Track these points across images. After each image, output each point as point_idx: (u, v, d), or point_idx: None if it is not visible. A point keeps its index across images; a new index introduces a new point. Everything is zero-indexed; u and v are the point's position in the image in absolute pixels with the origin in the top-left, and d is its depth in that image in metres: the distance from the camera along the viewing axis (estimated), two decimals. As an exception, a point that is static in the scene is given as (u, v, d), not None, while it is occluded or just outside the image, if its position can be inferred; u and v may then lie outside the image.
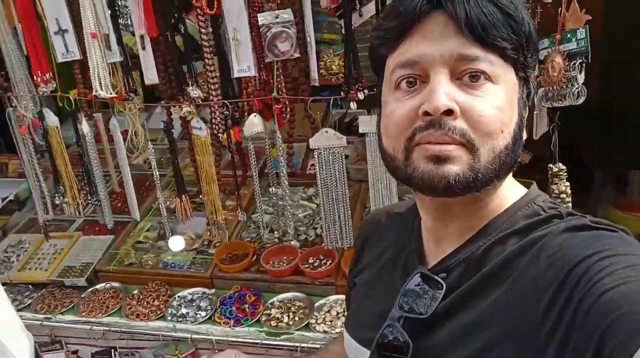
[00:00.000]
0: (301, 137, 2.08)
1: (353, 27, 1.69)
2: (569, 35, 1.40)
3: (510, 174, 0.81)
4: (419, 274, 0.81)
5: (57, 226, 2.81)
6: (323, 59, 2.95)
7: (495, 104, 0.72)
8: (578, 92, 1.39)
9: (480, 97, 0.71)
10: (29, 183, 2.20)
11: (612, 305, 0.58)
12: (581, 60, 1.37)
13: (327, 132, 1.82)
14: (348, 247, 2.02)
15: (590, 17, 1.33)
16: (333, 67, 3.01)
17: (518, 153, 0.77)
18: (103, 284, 2.39)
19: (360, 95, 1.72)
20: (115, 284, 2.38)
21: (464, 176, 0.71)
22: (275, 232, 2.47)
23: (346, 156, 2.56)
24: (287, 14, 1.72)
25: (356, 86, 1.72)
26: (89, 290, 2.36)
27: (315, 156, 1.85)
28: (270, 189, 2.06)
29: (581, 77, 1.38)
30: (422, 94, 0.73)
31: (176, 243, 2.46)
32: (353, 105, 1.74)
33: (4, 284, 2.41)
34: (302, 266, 2.22)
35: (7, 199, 2.87)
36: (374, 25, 0.89)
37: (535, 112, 1.59)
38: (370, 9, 1.68)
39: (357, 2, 1.67)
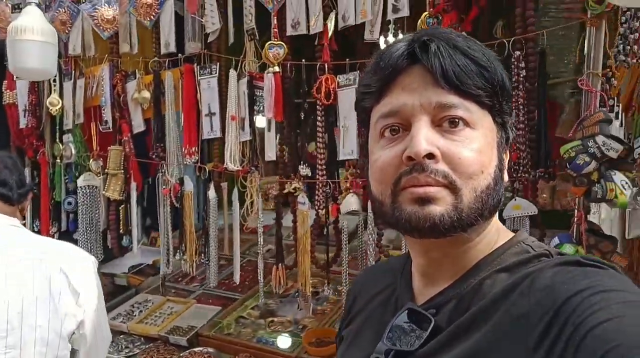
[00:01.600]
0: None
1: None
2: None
3: (497, 219, 0.83)
4: (408, 310, 0.82)
5: (179, 293, 3.12)
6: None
7: (474, 147, 0.75)
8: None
9: (459, 141, 0.75)
10: (160, 242, 2.55)
11: (604, 338, 0.58)
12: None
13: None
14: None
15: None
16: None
17: (500, 193, 0.79)
18: (201, 348, 2.56)
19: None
20: (211, 349, 2.53)
21: (448, 216, 0.73)
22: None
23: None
24: (391, 107, 1.93)
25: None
26: (188, 351, 2.54)
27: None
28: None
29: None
30: (405, 140, 0.76)
31: (284, 342, 2.48)
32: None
33: (121, 333, 2.74)
34: (384, 361, 2.18)
35: (145, 264, 3.28)
36: (358, 80, 0.99)
37: (628, 210, 1.54)
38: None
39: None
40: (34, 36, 2.25)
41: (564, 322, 0.62)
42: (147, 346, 2.63)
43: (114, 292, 3.14)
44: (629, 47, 1.66)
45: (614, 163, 1.57)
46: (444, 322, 0.77)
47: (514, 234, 0.84)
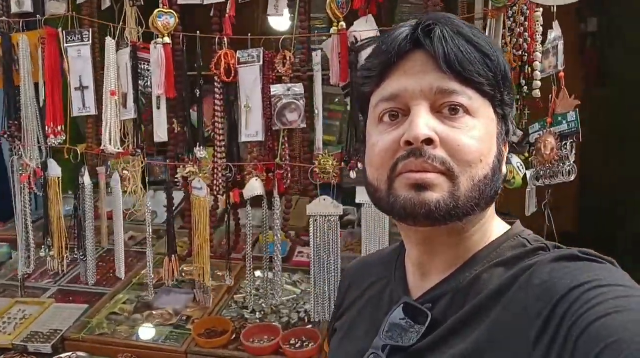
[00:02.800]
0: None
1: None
2: (559, 118, 1.54)
3: (494, 210, 0.83)
4: (403, 304, 0.81)
5: (30, 293, 2.71)
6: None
7: (474, 134, 0.75)
8: (569, 169, 1.51)
9: (459, 128, 0.74)
10: (17, 235, 2.16)
11: (603, 333, 0.58)
12: (572, 140, 1.50)
13: (324, 199, 1.88)
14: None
15: (579, 102, 1.49)
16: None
17: (498, 184, 0.79)
18: (68, 353, 2.25)
19: (360, 165, 1.81)
20: (82, 354, 2.25)
21: (444, 203, 0.72)
22: (257, 313, 2.43)
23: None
24: (298, 88, 1.87)
25: (357, 156, 1.82)
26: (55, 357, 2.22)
27: (311, 223, 1.89)
28: (261, 272, 2.06)
29: (572, 156, 1.50)
30: (404, 125, 0.75)
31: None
32: (352, 174, 1.82)
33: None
34: (283, 346, 2.15)
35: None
36: (360, 66, 0.98)
37: (527, 190, 1.70)
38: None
39: (364, 82, 1.83)
40: None
41: (562, 317, 0.62)
42: (-2, 358, 2.25)
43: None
44: (515, 40, 1.81)
45: (509, 147, 1.72)
46: (440, 316, 0.76)
47: (510, 226, 0.84)
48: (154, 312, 2.49)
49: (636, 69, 2.89)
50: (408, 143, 0.73)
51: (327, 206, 1.88)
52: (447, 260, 0.81)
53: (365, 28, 1.80)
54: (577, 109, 1.51)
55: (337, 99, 3.13)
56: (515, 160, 1.71)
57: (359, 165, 1.81)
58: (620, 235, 3.16)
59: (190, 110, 2.00)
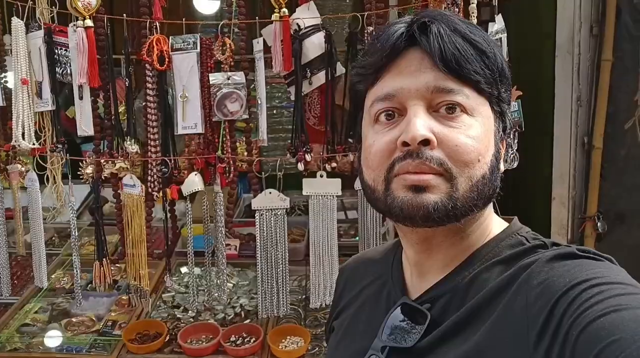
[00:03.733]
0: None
1: (303, 94, 1.79)
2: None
3: (492, 207, 0.82)
4: (402, 305, 0.80)
5: None
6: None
7: (471, 134, 0.73)
8: (512, 157, 1.59)
9: (456, 128, 0.73)
10: None
11: (602, 333, 0.57)
12: (515, 129, 1.58)
13: (270, 193, 1.82)
14: (284, 315, 1.96)
15: (521, 93, 1.56)
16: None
17: (496, 183, 0.78)
18: (-22, 376, 2.01)
19: (308, 157, 1.77)
20: (-5, 374, 2.02)
21: (442, 205, 0.71)
22: (190, 311, 2.32)
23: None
24: (238, 76, 1.77)
25: (304, 148, 1.78)
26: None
27: (257, 217, 1.82)
28: (187, 268, 1.94)
29: (515, 144, 1.58)
30: (400, 125, 0.74)
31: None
32: (300, 166, 1.78)
33: None
34: (224, 344, 2.08)
35: None
36: (353, 64, 0.96)
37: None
38: (320, 78, 1.80)
39: (308, 71, 1.78)
40: None
41: (562, 316, 0.62)
42: None
43: None
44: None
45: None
46: (439, 317, 0.76)
47: (507, 224, 0.84)
48: (73, 320, 2.30)
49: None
50: (405, 144, 0.71)
51: (273, 200, 1.82)
52: (445, 260, 0.80)
53: (308, 15, 1.75)
54: (520, 100, 1.59)
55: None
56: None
57: (307, 156, 1.78)
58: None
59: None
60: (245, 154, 1.91)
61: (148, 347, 2.08)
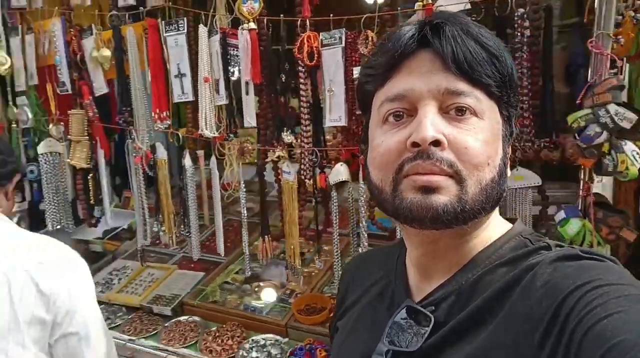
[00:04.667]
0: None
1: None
2: None
3: (497, 210, 0.81)
4: (406, 308, 0.80)
5: (159, 258, 3.01)
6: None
7: (481, 137, 0.73)
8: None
9: (466, 130, 0.73)
10: (135, 211, 2.39)
11: (606, 335, 0.57)
12: None
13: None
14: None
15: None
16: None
17: (504, 187, 0.78)
18: (186, 317, 2.48)
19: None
20: (197, 318, 2.46)
21: (452, 207, 0.71)
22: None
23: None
24: (381, 69, 1.76)
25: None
26: (173, 320, 2.45)
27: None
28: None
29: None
30: (410, 126, 0.73)
31: (269, 294, 2.53)
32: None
33: (101, 303, 2.63)
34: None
35: (121, 228, 3.13)
36: (362, 64, 0.95)
37: None
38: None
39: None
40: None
41: (566, 318, 0.62)
42: (129, 316, 2.54)
43: (90, 260, 3.00)
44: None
45: (624, 132, 1.46)
46: (443, 319, 0.76)
47: (511, 226, 0.82)
48: (261, 284, 2.63)
49: None
50: (415, 144, 0.71)
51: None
52: (449, 262, 0.80)
53: (452, 2, 1.62)
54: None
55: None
56: (631, 148, 1.46)
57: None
58: None
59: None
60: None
61: (311, 318, 2.27)
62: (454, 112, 0.73)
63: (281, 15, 1.89)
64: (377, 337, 0.81)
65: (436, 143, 0.71)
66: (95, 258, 3.03)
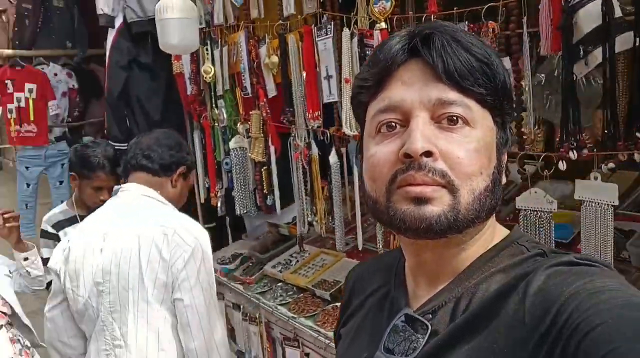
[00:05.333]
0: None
1: (575, 78, 1.47)
2: None
3: (493, 217, 0.80)
4: (404, 316, 0.81)
5: (335, 244, 3.23)
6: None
7: (473, 146, 0.73)
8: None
9: (459, 140, 0.72)
10: (295, 202, 2.63)
11: (601, 342, 0.57)
12: None
13: (536, 192, 1.61)
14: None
15: None
16: None
17: (498, 195, 0.77)
18: (337, 303, 2.63)
19: (572, 155, 1.47)
20: (350, 305, 2.58)
21: (445, 217, 0.71)
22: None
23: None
24: (505, 63, 1.62)
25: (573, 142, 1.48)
26: (331, 304, 2.64)
27: (521, 217, 1.65)
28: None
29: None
30: (402, 137, 0.74)
31: None
32: (562, 164, 1.50)
33: (279, 281, 2.96)
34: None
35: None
36: (356, 74, 0.91)
37: None
38: (596, 56, 1.43)
39: (582, 49, 1.45)
40: (173, 14, 2.43)
41: (560, 326, 0.62)
42: (298, 296, 2.81)
43: (278, 241, 3.39)
44: None
45: None
46: (441, 327, 0.76)
47: (508, 232, 0.82)
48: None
49: None
50: (407, 156, 0.72)
51: (539, 200, 1.60)
52: (446, 270, 0.80)
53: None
54: None
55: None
56: None
57: (571, 154, 1.47)
58: None
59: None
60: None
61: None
62: (445, 121, 0.73)
63: (410, 12, 1.88)
64: (376, 344, 0.83)
65: (428, 154, 0.71)
66: (282, 240, 3.39)
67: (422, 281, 0.83)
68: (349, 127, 2.13)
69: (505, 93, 0.77)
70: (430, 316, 0.78)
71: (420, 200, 0.71)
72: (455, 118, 0.73)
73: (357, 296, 1.00)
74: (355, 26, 2.09)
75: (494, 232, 0.81)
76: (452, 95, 0.73)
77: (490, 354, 0.69)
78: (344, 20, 2.12)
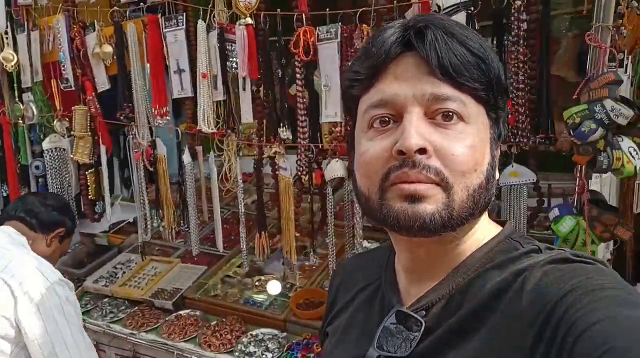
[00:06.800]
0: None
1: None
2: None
3: (486, 213, 0.80)
4: (396, 313, 0.79)
5: (163, 251, 3.03)
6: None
7: (468, 143, 0.72)
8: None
9: (453, 136, 0.71)
10: (136, 207, 2.41)
11: (597, 341, 0.57)
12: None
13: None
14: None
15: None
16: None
17: (492, 192, 0.77)
18: (187, 310, 2.49)
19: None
20: (198, 312, 2.47)
21: (439, 215, 0.70)
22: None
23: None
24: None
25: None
26: (174, 314, 2.47)
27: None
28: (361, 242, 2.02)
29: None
30: (396, 133, 0.72)
31: (274, 287, 2.53)
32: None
33: (105, 297, 2.66)
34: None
35: (126, 221, 3.15)
36: (346, 67, 0.93)
37: (637, 182, 1.42)
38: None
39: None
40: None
41: (557, 324, 0.62)
42: (131, 310, 2.56)
43: (95, 253, 3.04)
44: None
45: (622, 128, 1.44)
46: (434, 324, 0.75)
47: (501, 228, 0.82)
48: (262, 278, 2.63)
49: None
50: (401, 153, 0.70)
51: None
52: (438, 266, 0.79)
53: (447, -6, 1.61)
54: None
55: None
56: (627, 144, 1.43)
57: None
58: None
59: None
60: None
61: (309, 313, 2.27)
62: (440, 117, 0.72)
63: (278, 10, 1.89)
64: (367, 342, 0.81)
65: (422, 151, 0.69)
66: (100, 252, 3.05)
67: (415, 278, 0.82)
68: (206, 124, 2.04)
69: (500, 88, 0.76)
70: (424, 312, 0.77)
71: (414, 198, 0.70)
72: (449, 114, 0.71)
73: (344, 293, 0.97)
74: (214, 19, 2.01)
75: (486, 228, 0.81)
76: (447, 90, 0.71)
77: (487, 352, 0.68)
78: (200, 13, 2.02)
